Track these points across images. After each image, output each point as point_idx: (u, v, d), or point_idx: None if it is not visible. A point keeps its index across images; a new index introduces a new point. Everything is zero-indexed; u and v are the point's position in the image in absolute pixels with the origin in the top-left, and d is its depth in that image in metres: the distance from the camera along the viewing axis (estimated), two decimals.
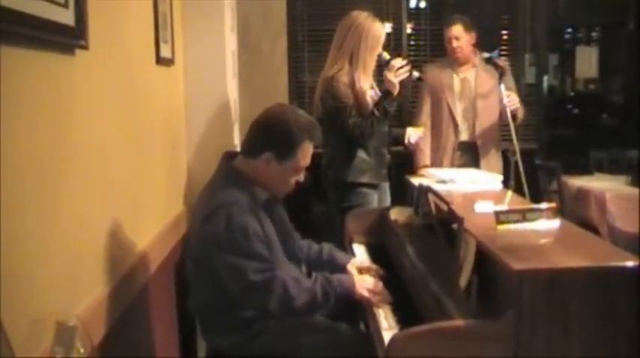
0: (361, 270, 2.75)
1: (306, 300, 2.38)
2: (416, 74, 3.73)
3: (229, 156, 2.60)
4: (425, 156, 4.46)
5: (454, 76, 4.43)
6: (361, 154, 3.70)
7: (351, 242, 3.21)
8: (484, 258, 2.03)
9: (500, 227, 2.24)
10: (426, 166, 4.36)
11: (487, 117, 4.37)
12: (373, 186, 3.76)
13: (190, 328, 3.16)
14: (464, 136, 4.42)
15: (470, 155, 4.37)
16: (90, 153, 1.97)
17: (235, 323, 2.46)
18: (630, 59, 5.90)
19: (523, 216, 2.29)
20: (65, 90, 1.80)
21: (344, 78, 3.66)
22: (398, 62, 3.65)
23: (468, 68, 4.43)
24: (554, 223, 2.32)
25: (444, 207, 2.45)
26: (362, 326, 2.67)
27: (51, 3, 1.66)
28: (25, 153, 1.52)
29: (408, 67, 3.64)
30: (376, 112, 3.59)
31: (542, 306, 1.83)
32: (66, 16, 1.75)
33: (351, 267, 2.78)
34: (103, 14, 2.08)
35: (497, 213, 2.27)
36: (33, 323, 1.52)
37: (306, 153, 2.49)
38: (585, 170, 5.00)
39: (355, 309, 2.62)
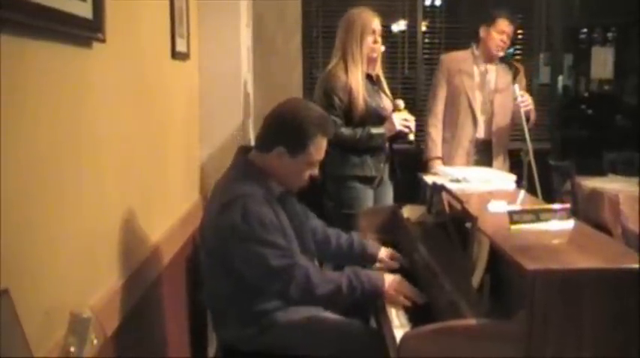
0: (392, 258, 2.81)
1: (328, 290, 2.37)
2: (411, 137, 3.77)
3: (244, 150, 2.61)
4: (437, 147, 4.38)
5: (474, 67, 4.38)
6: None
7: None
8: (497, 258, 2.02)
9: (514, 227, 2.23)
10: (437, 158, 4.32)
11: (503, 116, 4.34)
12: (364, 180, 3.75)
13: (201, 321, 3.17)
14: (481, 131, 4.36)
15: (484, 153, 4.35)
16: (106, 146, 1.98)
17: (247, 317, 2.47)
18: None
19: (537, 216, 2.29)
20: (82, 82, 1.80)
21: (341, 73, 3.69)
22: (407, 115, 3.74)
23: (489, 62, 4.39)
24: (568, 224, 2.31)
25: (458, 206, 2.45)
26: (373, 322, 2.67)
27: None
28: (42, 144, 1.53)
29: (411, 126, 3.72)
30: (361, 133, 3.65)
31: (555, 307, 1.83)
32: (84, 9, 1.76)
33: (383, 255, 2.82)
34: (119, 7, 2.09)
35: (510, 213, 2.26)
36: (47, 313, 1.53)
37: (318, 147, 2.50)
38: (599, 171, 4.97)
39: (367, 306, 2.62)
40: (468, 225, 2.27)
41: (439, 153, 4.36)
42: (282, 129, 2.48)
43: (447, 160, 4.28)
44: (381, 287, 2.42)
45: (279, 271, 2.34)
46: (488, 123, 4.35)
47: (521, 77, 4.33)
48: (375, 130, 3.68)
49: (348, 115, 3.68)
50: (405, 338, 1.92)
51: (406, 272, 2.67)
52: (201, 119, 3.61)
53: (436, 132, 4.39)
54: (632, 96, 6.17)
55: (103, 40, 1.89)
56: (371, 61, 3.79)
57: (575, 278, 1.85)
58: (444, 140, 4.39)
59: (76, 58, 1.77)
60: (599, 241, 2.30)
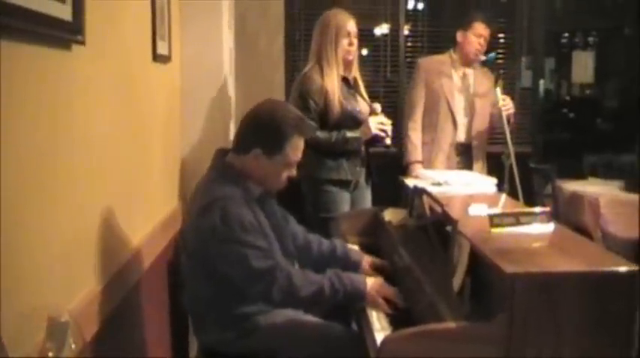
0: (375, 267, 2.78)
1: (311, 292, 2.37)
2: (388, 141, 3.73)
3: (222, 153, 2.60)
4: (417, 151, 4.35)
5: (453, 71, 4.39)
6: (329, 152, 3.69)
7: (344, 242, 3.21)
8: (477, 261, 2.03)
9: (494, 230, 2.24)
10: (417, 162, 4.30)
11: (482, 119, 4.37)
12: (340, 184, 3.72)
13: (182, 326, 3.15)
14: (461, 134, 4.36)
15: (463, 157, 4.36)
16: (85, 149, 1.96)
17: (228, 320, 2.46)
18: (626, 64, 5.91)
19: (517, 219, 2.30)
20: (61, 84, 1.79)
21: (316, 76, 3.67)
22: (383, 119, 3.71)
23: (467, 65, 4.40)
24: (548, 227, 2.32)
25: (439, 209, 2.45)
26: (354, 326, 2.67)
27: None
28: (21, 147, 1.52)
29: (388, 130, 3.70)
30: (336, 136, 3.62)
31: (534, 310, 1.84)
32: (63, 11, 1.75)
33: (366, 264, 2.79)
34: (100, 9, 2.07)
35: (491, 216, 2.27)
36: (25, 317, 1.51)
37: (295, 147, 2.50)
38: (579, 174, 5.00)
39: (348, 309, 2.62)
40: (449, 228, 2.28)
41: (419, 157, 4.34)
42: (258, 130, 2.48)
43: (427, 164, 4.27)
44: (363, 289, 2.42)
45: (261, 272, 2.34)
46: (468, 126, 4.37)
47: (490, 83, 4.35)
48: (350, 134, 3.66)
49: (324, 119, 3.66)
50: (385, 341, 1.92)
51: (387, 275, 2.67)
52: (182, 121, 3.59)
53: (416, 135, 4.37)
54: (613, 100, 6.23)
55: (83, 43, 1.88)
56: (347, 63, 3.77)
57: (555, 281, 1.86)
58: (423, 144, 4.36)
59: (54, 61, 1.75)
60: (580, 244, 2.31)
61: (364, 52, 5.94)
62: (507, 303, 1.83)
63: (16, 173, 1.49)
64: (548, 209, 2.44)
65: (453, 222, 2.22)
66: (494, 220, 2.26)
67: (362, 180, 3.86)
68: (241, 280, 2.38)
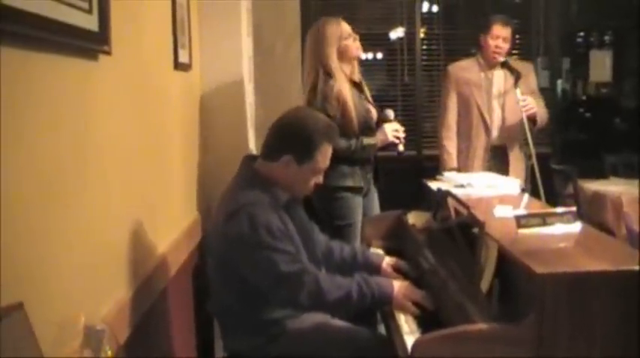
0: (395, 268, 2.76)
1: (338, 297, 2.37)
2: (401, 148, 3.68)
3: (250, 158, 2.61)
4: (452, 159, 4.38)
5: (481, 74, 4.41)
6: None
7: (368, 246, 3.21)
8: (505, 262, 2.03)
9: (521, 231, 2.24)
10: (453, 170, 4.23)
11: (514, 116, 4.33)
12: (354, 190, 3.68)
13: (208, 330, 3.17)
14: (494, 136, 4.36)
15: (499, 159, 4.36)
16: (111, 158, 1.98)
17: (255, 326, 2.47)
18: None
19: (543, 220, 2.29)
20: (88, 94, 1.81)
21: (330, 84, 3.58)
22: (398, 126, 3.68)
23: (493, 67, 4.40)
24: (575, 227, 2.32)
25: (464, 212, 2.45)
26: (380, 329, 2.67)
27: (75, 9, 1.67)
28: (49, 156, 1.53)
29: (402, 138, 3.66)
30: (355, 144, 3.57)
31: (564, 310, 1.83)
32: (90, 22, 1.77)
33: (387, 265, 2.77)
34: (124, 20, 2.09)
35: (517, 218, 2.27)
36: (59, 326, 1.53)
37: (324, 155, 2.50)
38: (600, 174, 4.99)
39: (374, 313, 2.62)
40: (476, 230, 2.27)
41: (455, 165, 4.36)
42: (289, 137, 2.48)
43: (464, 171, 4.24)
44: (390, 293, 2.42)
45: (289, 276, 2.33)
46: (501, 127, 4.37)
47: (527, 79, 4.34)
48: (367, 141, 3.61)
49: (342, 127, 3.58)
50: (417, 343, 1.92)
51: (413, 278, 2.67)
52: (203, 129, 3.61)
53: (450, 144, 4.41)
54: (630, 98, 6.20)
55: (109, 53, 1.90)
56: (353, 64, 3.72)
57: (585, 280, 1.85)
58: (458, 151, 4.40)
59: (82, 71, 1.77)
60: (606, 243, 2.31)
61: (379, 56, 5.96)
62: (538, 304, 1.82)
63: (42, 183, 1.51)
64: (573, 209, 2.44)
65: (480, 224, 2.22)
66: (521, 221, 2.25)
67: (371, 185, 3.82)
68: (269, 285, 2.38)
